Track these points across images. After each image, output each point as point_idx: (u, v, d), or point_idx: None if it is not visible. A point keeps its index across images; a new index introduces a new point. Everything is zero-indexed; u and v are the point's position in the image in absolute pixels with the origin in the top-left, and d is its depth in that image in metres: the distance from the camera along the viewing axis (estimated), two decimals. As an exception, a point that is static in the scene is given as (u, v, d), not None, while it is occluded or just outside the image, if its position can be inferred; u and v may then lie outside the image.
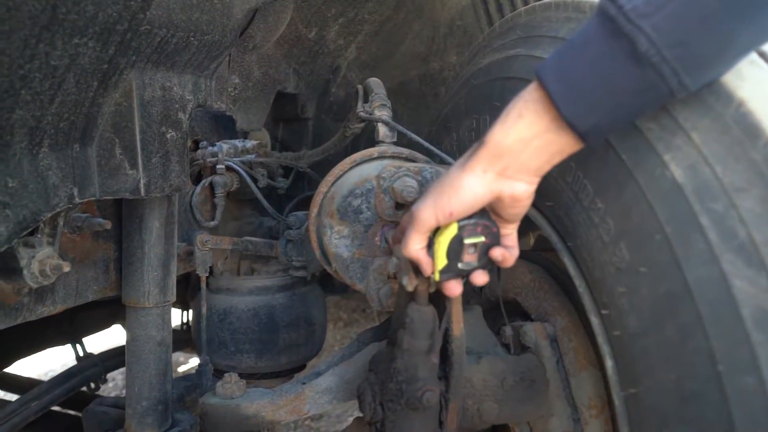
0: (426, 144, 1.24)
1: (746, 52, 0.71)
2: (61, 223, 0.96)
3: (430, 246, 0.86)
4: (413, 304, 0.94)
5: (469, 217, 0.84)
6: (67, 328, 1.99)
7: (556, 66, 0.75)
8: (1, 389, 2.01)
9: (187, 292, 1.98)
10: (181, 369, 3.36)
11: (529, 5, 1.14)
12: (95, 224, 1.06)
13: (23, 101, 0.79)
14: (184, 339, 2.20)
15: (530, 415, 1.11)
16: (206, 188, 1.45)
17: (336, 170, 1.21)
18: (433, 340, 0.95)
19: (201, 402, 1.21)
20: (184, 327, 2.29)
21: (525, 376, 1.08)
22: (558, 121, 0.75)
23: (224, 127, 1.47)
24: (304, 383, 1.21)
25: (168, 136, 1.08)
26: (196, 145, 1.46)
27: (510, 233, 0.89)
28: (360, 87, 1.35)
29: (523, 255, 1.27)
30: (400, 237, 0.93)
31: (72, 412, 1.86)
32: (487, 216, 0.85)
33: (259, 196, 1.47)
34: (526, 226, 1.09)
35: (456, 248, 0.84)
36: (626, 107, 0.74)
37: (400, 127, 1.25)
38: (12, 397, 1.73)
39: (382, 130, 1.25)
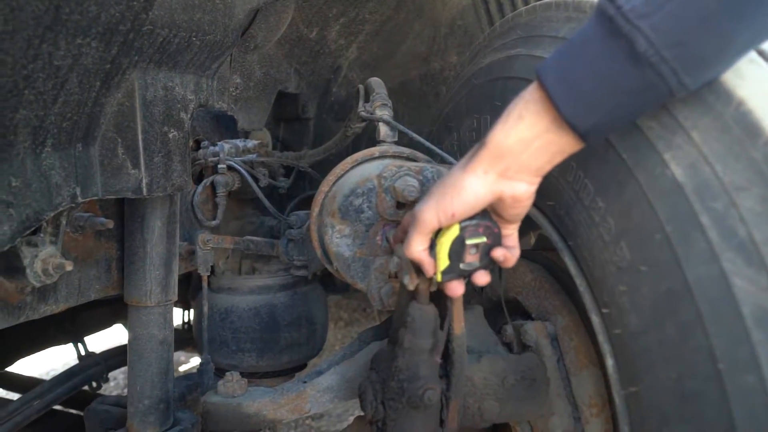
0: (427, 143, 1.25)
1: (745, 50, 0.72)
2: (64, 222, 0.96)
3: (432, 247, 0.86)
4: (414, 303, 0.94)
5: (471, 218, 0.84)
6: (68, 327, 2.00)
7: (556, 66, 0.75)
8: (3, 388, 2.01)
9: (188, 291, 1.98)
10: (183, 368, 3.36)
11: (530, 5, 1.14)
12: (97, 223, 1.06)
13: (27, 101, 0.79)
14: (185, 338, 2.20)
15: (531, 414, 1.12)
16: (208, 188, 1.45)
17: (337, 170, 1.22)
18: (435, 339, 0.95)
19: (202, 401, 1.22)
20: (186, 326, 2.30)
21: (526, 374, 1.09)
22: (558, 122, 0.75)
23: (226, 126, 1.47)
24: (305, 382, 1.21)
25: (170, 135, 1.08)
26: (197, 144, 1.47)
27: (511, 233, 0.90)
28: (361, 87, 1.35)
29: (524, 254, 1.28)
30: (402, 236, 0.94)
31: (74, 411, 1.87)
32: (488, 217, 0.86)
33: (261, 195, 1.48)
34: (527, 226, 1.10)
35: (458, 249, 0.85)
36: (626, 107, 0.74)
37: (401, 127, 1.26)
38: (14, 396, 1.73)
39: (383, 130, 1.25)
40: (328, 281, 1.97)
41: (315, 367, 1.26)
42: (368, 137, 1.63)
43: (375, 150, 1.22)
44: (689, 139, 0.77)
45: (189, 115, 1.12)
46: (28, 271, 0.90)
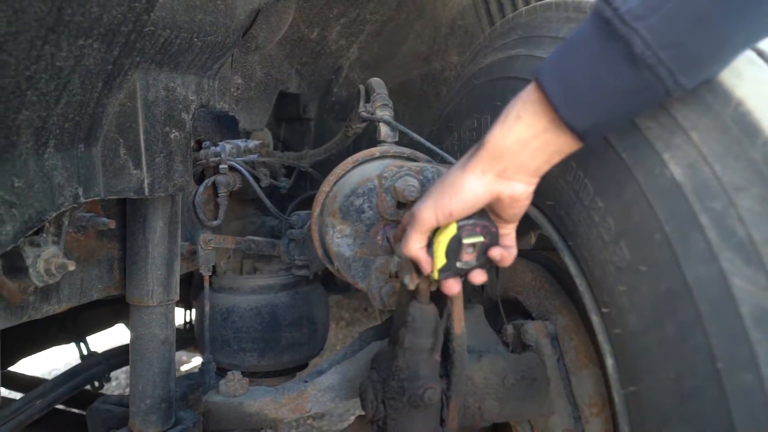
0: (427, 144, 1.25)
1: (742, 50, 0.72)
2: (66, 222, 0.97)
3: (430, 245, 0.87)
4: (415, 302, 0.94)
5: (469, 217, 0.85)
6: (71, 326, 2.00)
7: (554, 67, 0.76)
8: (6, 387, 2.01)
9: (190, 291, 1.99)
10: (185, 368, 3.37)
11: (530, 5, 1.14)
12: (100, 224, 1.07)
13: (29, 102, 0.79)
14: (187, 338, 2.21)
15: (531, 414, 1.12)
16: (209, 188, 1.46)
17: (338, 170, 1.22)
18: (435, 339, 0.95)
19: (204, 400, 1.22)
20: (188, 326, 2.30)
21: (526, 374, 1.09)
22: (556, 122, 0.76)
23: (227, 127, 1.47)
24: (306, 381, 1.21)
25: (171, 136, 1.09)
26: (199, 145, 1.47)
27: (509, 233, 0.90)
28: (362, 87, 1.36)
29: (525, 254, 1.28)
30: (401, 236, 0.94)
31: (76, 411, 1.87)
32: (486, 216, 0.86)
33: (262, 195, 1.48)
34: (527, 226, 1.10)
35: (455, 248, 0.85)
36: (623, 107, 0.75)
37: (401, 127, 1.26)
38: (16, 395, 1.74)
39: (384, 130, 1.26)
40: (330, 281, 1.98)
41: (316, 366, 1.27)
42: (369, 137, 1.63)
43: (375, 150, 1.23)
44: (688, 139, 0.77)
45: (190, 116, 1.13)
46: (30, 270, 0.91)
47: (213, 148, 1.44)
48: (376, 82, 1.34)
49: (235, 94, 1.61)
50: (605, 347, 0.92)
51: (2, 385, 2.01)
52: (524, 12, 1.17)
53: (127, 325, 2.08)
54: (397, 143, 1.26)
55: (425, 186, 1.06)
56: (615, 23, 0.69)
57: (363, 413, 1.07)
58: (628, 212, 0.83)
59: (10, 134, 0.80)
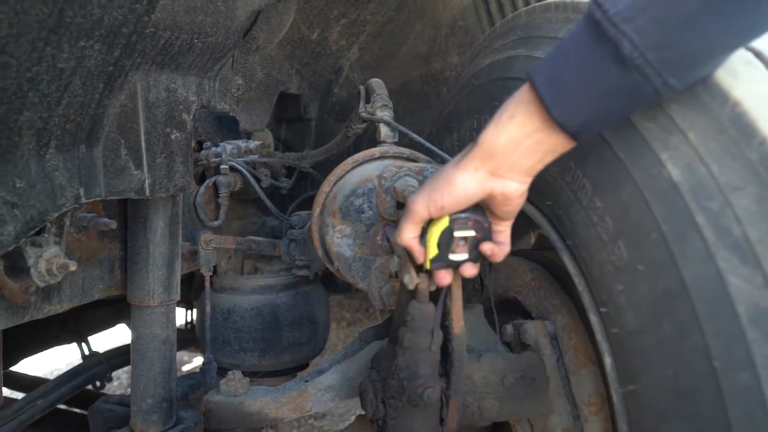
0: (427, 144, 1.25)
1: (731, 51, 0.73)
2: (68, 222, 0.97)
3: (424, 236, 0.88)
4: (414, 302, 0.95)
5: (462, 211, 0.86)
6: (72, 326, 2.01)
7: (546, 68, 0.77)
8: (8, 387, 2.02)
9: (191, 291, 1.99)
10: (186, 368, 3.37)
11: (530, 6, 1.15)
12: (101, 224, 1.07)
13: (31, 103, 0.80)
14: (188, 338, 2.22)
15: (530, 413, 1.12)
16: (210, 188, 1.47)
17: (338, 170, 1.22)
18: (432, 335, 0.96)
19: (205, 400, 1.22)
20: (189, 326, 2.31)
21: (525, 373, 1.09)
22: (548, 122, 0.77)
23: (228, 127, 1.48)
24: (306, 381, 1.22)
25: (172, 136, 1.09)
26: (200, 145, 1.48)
27: (503, 230, 0.92)
28: (362, 87, 1.36)
29: (524, 254, 1.29)
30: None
31: (78, 410, 1.88)
32: (480, 212, 0.88)
33: (263, 196, 1.49)
34: (526, 225, 1.10)
35: (447, 240, 0.87)
36: (614, 107, 0.76)
37: (401, 128, 1.26)
38: (18, 395, 1.74)
39: (384, 131, 1.26)
40: (330, 281, 1.98)
41: (316, 366, 1.27)
42: (369, 138, 1.64)
43: (375, 150, 1.23)
44: (685, 140, 0.77)
45: (191, 116, 1.13)
46: (32, 271, 0.91)
47: (214, 148, 1.45)
48: (376, 82, 1.35)
49: (235, 94, 1.61)
50: (604, 346, 0.92)
51: (4, 385, 2.01)
52: (523, 13, 1.17)
53: (128, 325, 2.08)
54: (397, 144, 1.27)
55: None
56: (604, 25, 0.70)
57: (363, 413, 1.08)
58: (626, 212, 0.84)
59: (11, 135, 0.80)
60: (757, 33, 0.71)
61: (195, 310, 2.13)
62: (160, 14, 0.93)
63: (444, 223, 0.86)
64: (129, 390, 1.26)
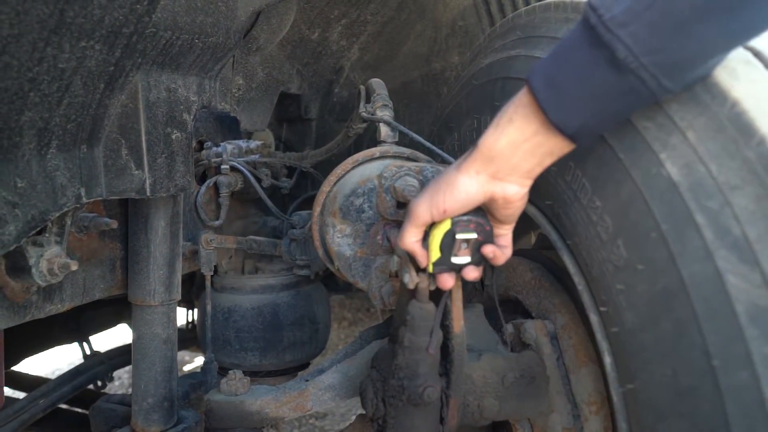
0: (427, 144, 1.25)
1: (725, 52, 0.73)
2: (69, 222, 0.98)
3: (426, 240, 0.89)
4: (414, 301, 0.95)
5: (464, 214, 0.87)
6: (73, 326, 2.01)
7: (544, 72, 0.78)
8: (10, 387, 2.02)
9: (192, 290, 1.99)
10: (187, 367, 3.37)
11: (529, 6, 1.15)
12: (102, 224, 1.07)
13: (32, 103, 0.80)
14: (189, 337, 2.22)
15: (531, 412, 1.12)
16: (211, 188, 1.47)
17: (338, 170, 1.23)
18: (431, 335, 0.96)
19: (206, 399, 1.23)
20: (190, 325, 2.31)
21: (525, 373, 1.09)
22: (546, 125, 0.78)
23: (228, 127, 1.48)
24: (307, 380, 1.22)
25: (173, 136, 1.10)
26: (200, 145, 1.48)
27: (505, 234, 0.92)
28: (362, 87, 1.36)
29: (524, 253, 1.29)
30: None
31: (79, 410, 1.88)
32: (482, 215, 0.88)
33: (263, 195, 1.49)
34: (527, 225, 1.11)
35: (449, 242, 0.88)
36: (611, 110, 0.77)
37: (401, 127, 1.27)
38: (20, 394, 1.75)
39: (384, 130, 1.26)
40: (331, 281, 1.98)
41: (317, 365, 1.27)
42: (370, 138, 1.64)
43: (375, 150, 1.23)
44: (685, 139, 0.77)
45: (192, 116, 1.14)
46: (33, 270, 0.92)
47: (215, 148, 1.45)
48: (376, 82, 1.35)
49: (236, 94, 1.61)
50: (603, 345, 0.92)
51: (6, 385, 2.02)
52: (523, 13, 1.18)
53: (129, 324, 2.08)
54: (398, 143, 1.27)
55: (425, 186, 1.07)
56: (599, 29, 0.71)
57: (364, 412, 1.08)
58: (626, 211, 0.84)
59: (13, 135, 0.80)
60: (750, 34, 0.72)
61: (196, 310, 2.13)
62: (160, 14, 0.94)
63: (446, 225, 0.87)
64: (130, 389, 1.26)
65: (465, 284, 1.00)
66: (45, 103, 0.82)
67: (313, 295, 1.63)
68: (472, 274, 0.91)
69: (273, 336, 1.54)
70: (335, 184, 1.22)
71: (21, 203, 0.84)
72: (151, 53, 0.98)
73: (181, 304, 1.94)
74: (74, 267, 0.95)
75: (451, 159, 1.21)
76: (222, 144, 1.42)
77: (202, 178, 1.49)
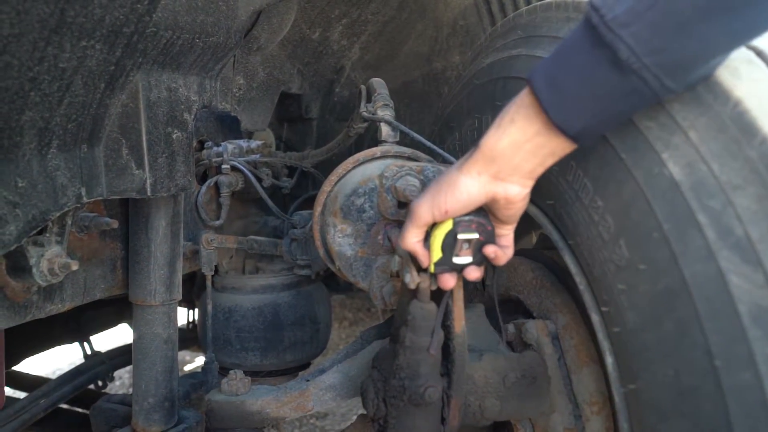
0: (428, 143, 1.25)
1: (728, 52, 0.73)
2: (69, 222, 0.98)
3: (427, 240, 0.89)
4: (415, 301, 0.95)
5: (466, 214, 0.87)
6: (74, 326, 2.01)
7: (546, 72, 0.78)
8: (10, 387, 2.02)
9: (192, 290, 1.99)
10: (188, 367, 3.38)
11: (531, 5, 1.15)
12: (102, 223, 1.07)
13: (33, 103, 0.80)
14: (190, 337, 2.22)
15: (532, 412, 1.12)
16: (211, 188, 1.47)
17: (339, 170, 1.22)
18: (432, 336, 0.96)
19: (207, 399, 1.22)
20: (190, 325, 2.31)
21: (527, 373, 1.09)
22: (548, 126, 0.78)
23: (229, 127, 1.48)
24: (308, 380, 1.22)
25: (174, 136, 1.09)
26: (201, 145, 1.48)
27: (507, 234, 0.92)
28: (363, 87, 1.36)
29: (526, 253, 1.28)
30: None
31: (80, 410, 1.88)
32: (483, 215, 0.88)
33: (264, 195, 1.49)
34: (528, 225, 1.10)
35: (450, 243, 0.87)
36: (614, 110, 0.77)
37: (402, 127, 1.26)
38: (21, 394, 1.75)
39: (385, 130, 1.26)
40: (332, 281, 1.98)
41: (318, 366, 1.27)
42: (371, 137, 1.64)
43: (376, 150, 1.23)
44: (687, 139, 0.77)
45: (192, 116, 1.13)
46: (34, 270, 0.92)
47: (215, 148, 1.45)
48: (377, 82, 1.35)
49: (237, 94, 1.61)
50: (605, 345, 0.92)
51: (6, 385, 2.02)
52: (524, 12, 1.17)
53: (130, 324, 2.08)
54: (399, 143, 1.26)
55: (426, 185, 1.07)
56: (601, 30, 0.71)
57: (365, 412, 1.08)
58: (627, 211, 0.84)
59: (13, 135, 0.80)
60: (752, 34, 0.72)
61: (196, 310, 2.13)
62: (161, 14, 0.94)
63: (447, 226, 0.87)
64: (131, 389, 1.26)
65: (466, 284, 1.00)
66: (45, 102, 0.82)
67: (314, 295, 1.63)
68: (474, 274, 0.91)
69: (274, 336, 1.54)
70: (336, 183, 1.22)
71: (22, 203, 0.83)
72: (151, 53, 0.98)
73: (181, 303, 1.94)
74: (75, 267, 0.95)
75: (452, 159, 1.21)
76: (223, 144, 1.42)
77: (202, 178, 1.49)
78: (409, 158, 1.23)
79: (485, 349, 1.14)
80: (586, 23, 0.74)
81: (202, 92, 1.19)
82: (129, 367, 1.81)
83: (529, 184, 0.85)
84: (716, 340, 0.72)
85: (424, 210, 0.87)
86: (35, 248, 0.92)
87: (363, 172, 1.20)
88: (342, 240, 1.16)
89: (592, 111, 0.76)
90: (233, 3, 1.14)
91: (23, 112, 0.80)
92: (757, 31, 0.71)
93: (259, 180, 1.52)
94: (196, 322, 2.20)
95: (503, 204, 0.86)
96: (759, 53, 0.78)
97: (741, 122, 0.73)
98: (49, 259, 0.93)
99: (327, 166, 1.49)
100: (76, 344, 2.05)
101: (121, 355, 1.90)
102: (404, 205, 1.10)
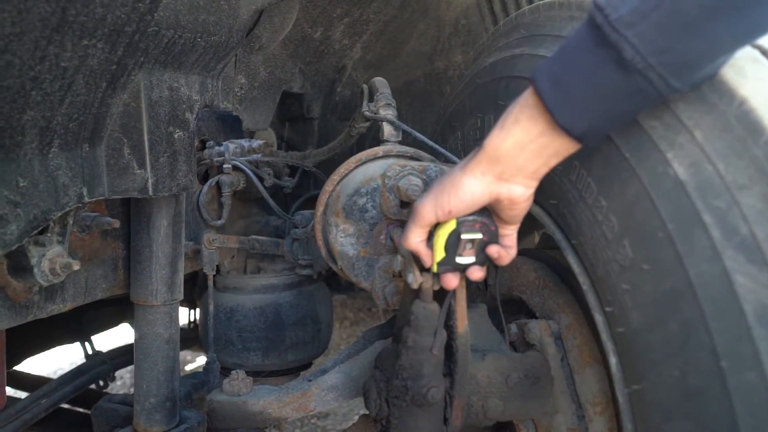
0: (430, 143, 1.25)
1: (733, 51, 0.73)
2: (71, 222, 0.97)
3: (430, 240, 0.89)
4: (418, 301, 0.95)
5: (469, 214, 0.87)
6: (75, 326, 2.01)
7: (550, 72, 0.77)
8: (12, 387, 2.02)
9: (194, 290, 1.99)
10: (189, 367, 3.37)
11: (533, 4, 1.14)
12: (104, 223, 1.07)
13: (34, 102, 0.80)
14: (191, 337, 2.22)
15: (535, 412, 1.12)
16: (213, 187, 1.46)
17: (341, 169, 1.22)
18: (434, 335, 0.96)
19: (208, 399, 1.22)
20: (192, 325, 2.31)
21: (529, 373, 1.09)
22: (552, 126, 0.77)
23: (230, 126, 1.48)
24: (310, 381, 1.22)
25: (175, 135, 1.09)
26: (202, 144, 1.47)
27: (510, 234, 0.92)
28: (365, 86, 1.36)
29: (528, 253, 1.28)
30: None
31: (81, 410, 1.88)
32: (487, 215, 0.88)
33: (266, 195, 1.48)
34: (531, 225, 1.10)
35: (454, 242, 0.88)
36: (618, 110, 0.77)
37: (404, 126, 1.26)
38: (22, 394, 1.75)
39: (387, 130, 1.26)
40: (334, 280, 1.98)
41: (320, 366, 1.27)
42: (373, 137, 1.63)
43: (379, 149, 1.23)
44: (692, 138, 0.77)
45: (194, 116, 1.13)
46: (35, 270, 0.91)
47: (217, 147, 1.44)
48: (379, 81, 1.34)
49: (238, 93, 1.61)
50: (609, 346, 0.92)
51: (8, 384, 2.01)
52: (527, 11, 1.17)
53: (131, 324, 2.08)
54: (401, 142, 1.26)
55: (428, 185, 1.06)
56: (606, 30, 0.71)
57: (367, 412, 1.07)
58: (632, 211, 0.83)
59: (14, 134, 0.80)
60: (758, 33, 0.72)
61: (198, 310, 2.13)
62: (163, 13, 0.93)
63: (451, 225, 0.87)
64: (132, 389, 1.26)
65: (468, 284, 0.99)
66: (47, 101, 0.82)
67: (315, 295, 1.63)
68: (477, 274, 0.91)
69: (275, 336, 1.54)
70: (338, 183, 1.22)
71: (23, 203, 0.83)
72: (153, 52, 0.98)
73: (183, 303, 1.94)
74: (76, 267, 0.94)
75: (454, 158, 1.21)
76: (224, 143, 1.42)
77: (204, 178, 1.49)
78: (412, 158, 1.22)
79: (488, 349, 1.13)
80: (590, 23, 0.73)
81: (203, 92, 1.19)
82: (130, 367, 1.81)
83: (533, 184, 0.85)
84: (722, 341, 0.72)
85: (427, 210, 0.87)
86: (36, 248, 0.92)
87: (365, 171, 1.19)
88: (344, 240, 1.16)
89: (597, 111, 0.76)
90: (235, 2, 1.14)
91: (25, 112, 0.79)
92: (762, 31, 0.71)
93: (261, 179, 1.52)
94: (198, 321, 2.20)
95: (507, 204, 0.86)
96: (764, 52, 0.78)
97: (746, 121, 0.73)
98: (51, 259, 0.92)
99: (329, 166, 1.48)
100: (78, 344, 2.05)
101: (123, 355, 1.89)
102: (407, 205, 1.09)
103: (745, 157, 0.72)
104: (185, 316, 2.27)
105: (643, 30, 0.69)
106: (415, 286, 0.93)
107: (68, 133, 0.89)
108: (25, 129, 0.81)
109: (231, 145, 1.43)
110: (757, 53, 0.78)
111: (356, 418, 1.26)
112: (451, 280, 0.91)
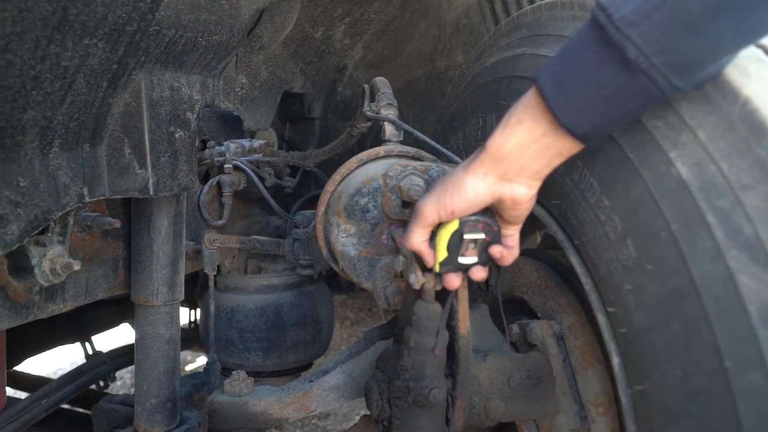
0: (432, 143, 1.25)
1: (736, 51, 0.73)
2: (71, 222, 0.97)
3: (433, 240, 0.89)
4: (420, 301, 0.94)
5: (472, 214, 0.87)
6: (76, 326, 2.01)
7: (552, 72, 0.77)
8: (12, 387, 2.02)
9: (195, 290, 1.99)
10: (189, 367, 3.37)
11: (535, 4, 1.14)
12: (104, 223, 1.07)
13: (34, 102, 0.80)
14: (192, 337, 2.22)
15: (537, 413, 1.12)
16: (214, 187, 1.46)
17: (343, 169, 1.22)
18: (437, 336, 0.96)
19: (209, 400, 1.22)
20: (193, 325, 2.30)
21: (531, 373, 1.09)
22: (555, 126, 0.77)
23: (231, 126, 1.47)
24: (311, 381, 1.21)
25: (176, 135, 1.09)
26: (203, 144, 1.47)
27: (512, 234, 0.92)
28: (366, 86, 1.35)
29: (530, 253, 1.28)
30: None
31: (81, 410, 1.88)
32: (489, 215, 0.88)
33: (267, 195, 1.48)
34: (533, 225, 1.10)
35: (456, 242, 0.87)
36: (622, 110, 0.76)
37: (406, 126, 1.26)
38: (22, 394, 1.74)
39: (389, 129, 1.26)
40: (334, 281, 1.97)
41: (321, 366, 1.27)
42: (374, 137, 1.63)
43: (380, 149, 1.23)
44: (695, 138, 0.77)
45: (195, 115, 1.13)
46: (36, 270, 0.91)
47: (218, 147, 1.44)
48: (380, 81, 1.34)
49: (239, 93, 1.61)
50: (611, 346, 0.91)
51: (8, 385, 2.01)
52: (529, 11, 1.17)
53: (132, 324, 2.08)
54: (402, 142, 1.26)
55: (430, 185, 1.06)
56: (609, 30, 0.70)
57: (368, 413, 1.07)
58: (635, 211, 0.83)
59: (15, 134, 0.80)
60: (761, 33, 0.71)
61: (199, 310, 2.12)
62: (164, 12, 0.93)
63: (453, 225, 0.87)
64: (133, 390, 1.25)
65: (469, 284, 0.99)
66: (48, 101, 0.81)
67: (316, 295, 1.62)
68: (479, 274, 0.91)
69: (276, 336, 1.54)
70: (340, 183, 1.22)
71: (23, 202, 0.83)
72: (154, 51, 0.98)
73: (183, 303, 1.94)
74: (77, 267, 0.94)
75: (456, 158, 1.20)
76: (225, 143, 1.42)
77: (205, 178, 1.48)
78: (413, 157, 1.22)
79: (490, 349, 1.13)
80: (593, 23, 0.73)
81: (204, 91, 1.18)
82: (131, 368, 1.81)
83: (536, 184, 0.85)
84: (725, 341, 0.72)
85: (429, 210, 0.87)
86: (37, 248, 0.91)
87: (367, 171, 1.19)
88: (345, 240, 1.15)
89: (600, 111, 0.75)
90: (236, 2, 1.14)
91: (25, 111, 0.79)
92: (766, 30, 0.71)
93: (262, 179, 1.52)
94: (198, 322, 2.20)
95: (510, 205, 0.85)
96: (768, 51, 0.78)
97: (750, 121, 0.73)
98: (51, 259, 0.92)
99: (330, 166, 1.48)
100: (78, 344, 2.04)
101: (123, 356, 1.89)
102: (408, 205, 1.09)
103: (748, 157, 0.72)
104: (186, 316, 2.27)
105: (646, 30, 0.68)
106: (417, 286, 0.93)
107: (69, 133, 0.88)
108: (25, 129, 0.81)
109: (232, 145, 1.43)
110: (760, 53, 0.78)
111: (357, 418, 1.25)
112: (454, 281, 0.91)
